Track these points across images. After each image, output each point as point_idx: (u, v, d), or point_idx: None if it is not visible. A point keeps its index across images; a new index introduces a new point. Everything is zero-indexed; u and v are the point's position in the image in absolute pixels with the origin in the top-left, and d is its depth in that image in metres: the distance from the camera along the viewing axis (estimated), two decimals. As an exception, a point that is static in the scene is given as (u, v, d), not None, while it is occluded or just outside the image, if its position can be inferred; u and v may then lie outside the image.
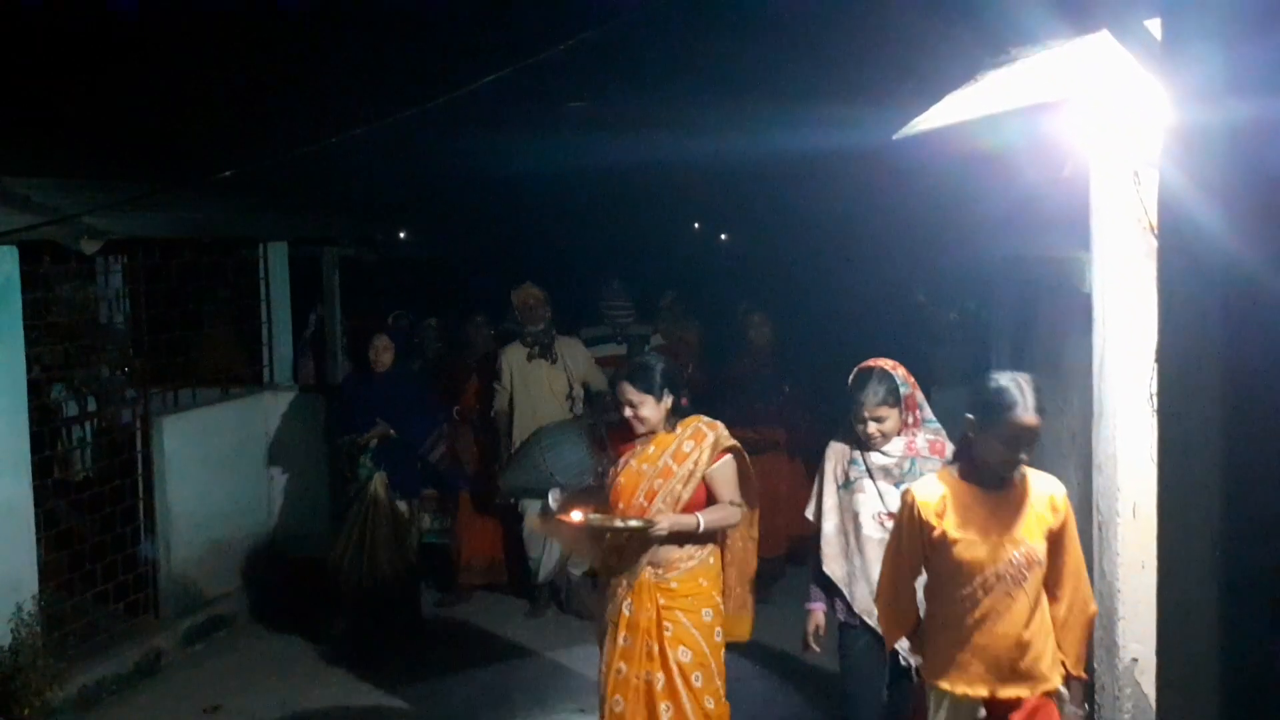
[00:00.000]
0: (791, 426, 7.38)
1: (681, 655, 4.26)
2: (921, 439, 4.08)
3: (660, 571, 4.30)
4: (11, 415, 5.59)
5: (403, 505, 6.62)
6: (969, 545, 3.30)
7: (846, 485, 4.11)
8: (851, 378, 4.07)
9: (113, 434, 6.76)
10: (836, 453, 4.18)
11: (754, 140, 5.68)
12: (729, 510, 4.32)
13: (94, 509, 6.33)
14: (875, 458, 4.07)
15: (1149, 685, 3.52)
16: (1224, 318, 1.86)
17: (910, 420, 4.05)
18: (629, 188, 8.92)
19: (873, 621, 3.97)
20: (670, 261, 11.43)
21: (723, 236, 16.40)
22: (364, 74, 5.08)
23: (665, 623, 4.27)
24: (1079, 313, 4.07)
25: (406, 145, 5.80)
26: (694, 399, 7.81)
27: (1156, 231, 2.16)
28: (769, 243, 12.58)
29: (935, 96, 3.07)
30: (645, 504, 4.28)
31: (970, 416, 3.31)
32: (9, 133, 5.84)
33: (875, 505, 4.03)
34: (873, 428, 4.00)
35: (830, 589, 4.18)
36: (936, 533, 3.34)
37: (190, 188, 6.18)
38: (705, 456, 4.27)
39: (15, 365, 5.62)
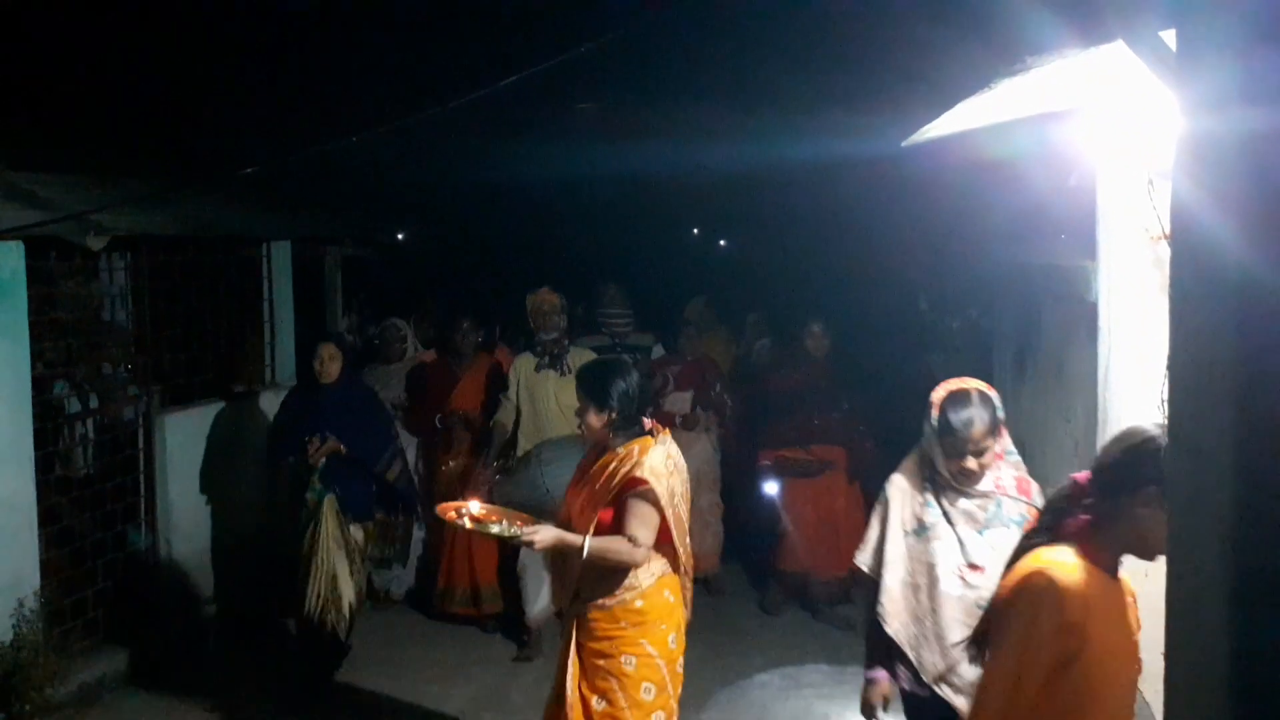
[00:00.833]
0: (851, 446, 6.98)
1: (596, 704, 3.90)
2: (1007, 474, 3.43)
3: (583, 604, 3.97)
4: (15, 411, 5.60)
5: (356, 530, 6.06)
6: (1111, 656, 2.51)
7: (920, 532, 3.46)
8: (942, 402, 3.40)
9: (114, 431, 6.77)
10: (902, 493, 3.53)
11: (759, 147, 5.69)
12: (622, 546, 3.81)
13: (95, 506, 6.34)
14: (954, 498, 3.42)
15: (1150, 693, 3.52)
16: (1237, 325, 1.88)
17: (998, 450, 3.42)
18: (633, 193, 8.90)
19: (945, 692, 3.43)
20: (670, 268, 11.44)
21: (721, 243, 16.42)
22: (372, 75, 5.10)
23: (585, 664, 3.94)
24: (1084, 321, 4.09)
25: (413, 147, 5.81)
26: (736, 416, 7.59)
27: (1169, 239, 2.18)
28: (770, 249, 12.60)
29: (947, 104, 3.09)
30: (575, 522, 3.98)
31: (1154, 489, 2.37)
32: (16, 129, 5.85)
33: (955, 557, 3.38)
34: (973, 463, 3.35)
35: (892, 652, 3.57)
36: (1075, 640, 2.46)
37: (196, 187, 6.19)
38: (619, 478, 3.85)
39: (20, 361, 5.64)
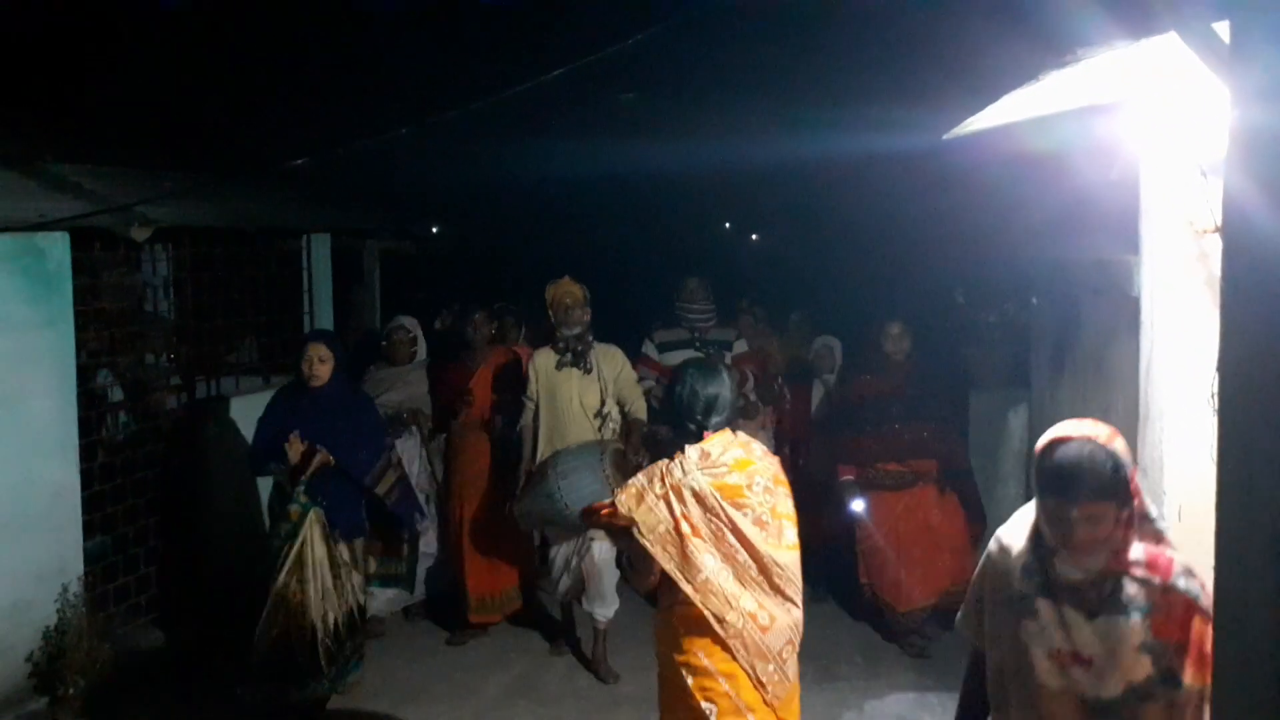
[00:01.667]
0: (945, 458, 6.39)
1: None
2: (1138, 546, 2.58)
3: None
4: (61, 399, 5.69)
5: (343, 549, 5.53)
6: None
7: (1014, 603, 2.71)
8: (1042, 451, 2.61)
9: (156, 420, 6.85)
10: (1004, 551, 2.78)
11: (799, 140, 5.68)
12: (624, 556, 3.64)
13: (137, 494, 6.43)
14: (1062, 567, 2.62)
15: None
16: (1290, 320, 1.87)
17: (1124, 516, 2.55)
18: (669, 186, 8.90)
19: None
20: (702, 261, 11.43)
21: (754, 237, 16.38)
22: (413, 71, 5.13)
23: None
24: (1125, 316, 4.06)
25: (456, 143, 5.84)
26: (799, 428, 7.15)
27: (1220, 233, 2.17)
28: (806, 243, 12.57)
29: (992, 97, 3.08)
30: None
31: None
32: (61, 121, 5.93)
33: (1052, 639, 2.63)
34: (1083, 533, 2.53)
35: None
36: None
37: (238, 180, 6.26)
38: None
39: (65, 350, 5.73)
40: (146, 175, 6.18)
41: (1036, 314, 6.48)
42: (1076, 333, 5.31)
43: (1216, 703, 2.20)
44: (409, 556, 6.59)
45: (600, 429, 6.06)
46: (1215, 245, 3.19)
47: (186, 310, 6.78)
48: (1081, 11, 2.20)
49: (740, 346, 7.17)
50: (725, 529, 3.47)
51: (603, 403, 6.10)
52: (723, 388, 3.61)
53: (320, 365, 5.53)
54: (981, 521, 6.44)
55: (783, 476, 3.66)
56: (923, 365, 6.50)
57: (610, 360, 6.19)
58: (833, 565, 6.99)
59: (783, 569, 3.52)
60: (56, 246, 5.63)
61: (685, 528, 3.44)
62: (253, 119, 6.21)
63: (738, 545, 3.48)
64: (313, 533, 5.39)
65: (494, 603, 6.63)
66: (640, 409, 6.15)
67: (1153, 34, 2.23)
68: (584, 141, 6.17)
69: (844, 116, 4.69)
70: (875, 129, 4.69)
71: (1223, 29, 2.10)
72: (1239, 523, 2.04)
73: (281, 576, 5.35)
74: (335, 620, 5.45)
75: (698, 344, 7.02)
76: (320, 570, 5.40)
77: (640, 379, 6.70)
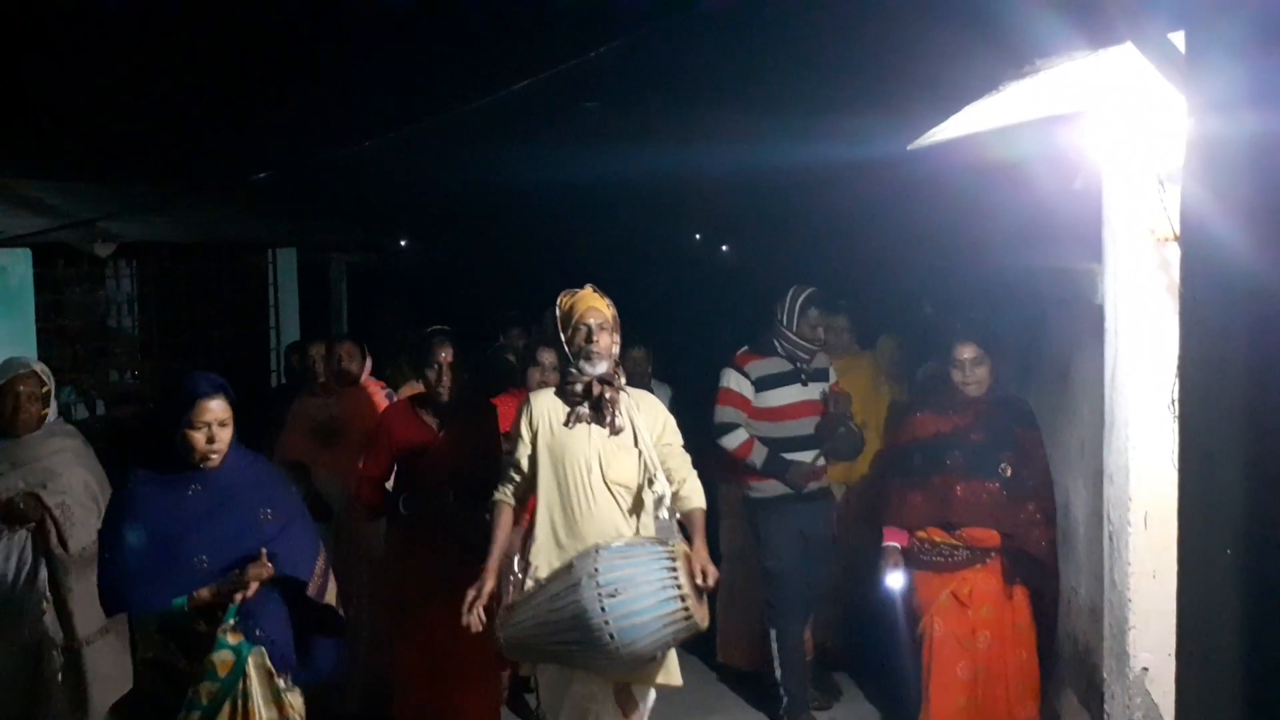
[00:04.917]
0: (1014, 530, 4.62)
1: None
2: None
3: None
4: (23, 417, 5.60)
5: (294, 697, 3.67)
6: None
7: None
8: None
9: (122, 437, 6.78)
10: None
11: (765, 150, 5.70)
12: None
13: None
14: None
15: (1159, 694, 3.54)
16: (1247, 327, 1.89)
17: None
18: (634, 196, 8.90)
19: None
20: (670, 273, 11.43)
21: (724, 248, 16.41)
22: (378, 81, 5.12)
23: None
24: (1090, 324, 4.10)
25: (422, 154, 5.83)
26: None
27: (1178, 241, 2.19)
28: (775, 253, 12.60)
29: (954, 107, 3.10)
30: None
31: None
32: (23, 137, 5.88)
33: None
34: None
35: None
36: None
37: (203, 193, 6.22)
38: None
39: (28, 368, 5.64)
40: (109, 190, 6.13)
41: (1004, 323, 6.51)
42: (1042, 341, 5.34)
43: (1180, 704, 2.22)
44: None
45: (638, 517, 3.95)
46: (1176, 253, 3.23)
47: (151, 326, 6.73)
48: (1040, 22, 2.22)
49: (833, 373, 5.68)
50: None
51: (648, 481, 3.93)
52: None
53: (221, 432, 3.60)
54: (1050, 644, 4.86)
55: None
56: (1005, 405, 4.91)
57: (647, 413, 4.03)
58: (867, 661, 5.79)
59: None
60: (18, 263, 5.58)
61: None
62: (217, 132, 6.18)
63: None
64: (255, 685, 3.52)
65: None
66: (697, 489, 4.03)
67: (1110, 44, 2.26)
68: (548, 151, 6.16)
69: (809, 126, 4.72)
70: (840, 139, 4.71)
71: (1179, 39, 2.12)
72: (1200, 528, 2.05)
73: None
74: None
75: (804, 378, 5.44)
76: None
77: (726, 426, 5.27)
